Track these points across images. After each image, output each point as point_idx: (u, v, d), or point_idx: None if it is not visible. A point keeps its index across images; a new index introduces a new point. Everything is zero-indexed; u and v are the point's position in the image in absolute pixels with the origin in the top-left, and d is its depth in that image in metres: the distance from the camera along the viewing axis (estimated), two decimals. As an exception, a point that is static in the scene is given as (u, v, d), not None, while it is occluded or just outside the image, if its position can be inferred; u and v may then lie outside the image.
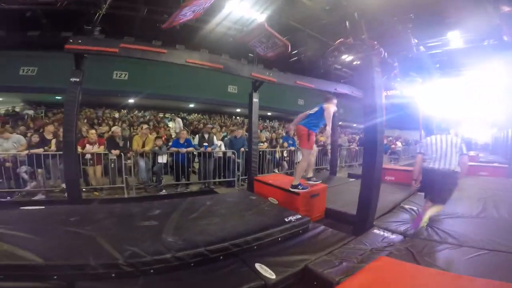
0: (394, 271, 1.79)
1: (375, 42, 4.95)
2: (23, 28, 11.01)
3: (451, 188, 3.31)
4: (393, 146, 13.27)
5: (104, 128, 8.53)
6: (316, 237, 2.90)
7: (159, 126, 10.15)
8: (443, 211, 3.48)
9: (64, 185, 4.90)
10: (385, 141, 12.59)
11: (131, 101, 12.46)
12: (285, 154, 8.54)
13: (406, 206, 4.26)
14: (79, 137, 5.34)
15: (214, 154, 6.65)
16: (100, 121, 10.12)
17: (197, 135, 7.48)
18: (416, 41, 6.43)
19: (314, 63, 7.41)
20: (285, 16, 6.73)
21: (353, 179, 6.91)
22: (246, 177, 6.91)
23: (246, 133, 8.66)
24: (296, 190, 3.79)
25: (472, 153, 12.66)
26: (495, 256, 2.39)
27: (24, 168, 4.93)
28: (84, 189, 5.14)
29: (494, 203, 4.11)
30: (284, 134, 9.65)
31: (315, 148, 4.60)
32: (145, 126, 7.33)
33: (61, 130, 4.55)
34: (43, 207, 3.41)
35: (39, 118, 10.60)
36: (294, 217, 3.04)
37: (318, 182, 4.30)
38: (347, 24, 5.37)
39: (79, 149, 5.02)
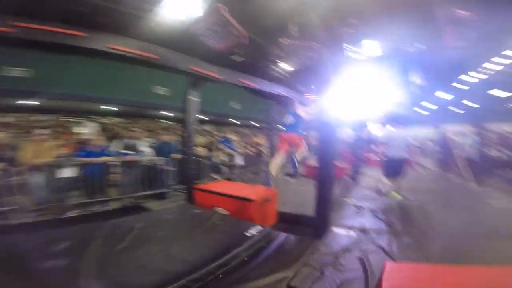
0: (416, 276, 1.56)
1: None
2: None
3: None
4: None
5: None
6: (282, 247, 2.55)
7: (64, 131, 8.07)
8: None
9: None
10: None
11: (33, 102, 9.58)
12: (224, 158, 8.06)
13: (346, 199, 4.40)
14: None
15: (140, 163, 5.61)
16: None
17: (117, 141, 6.20)
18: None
19: (255, 63, 7.18)
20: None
21: (291, 178, 7.00)
22: (182, 187, 6.14)
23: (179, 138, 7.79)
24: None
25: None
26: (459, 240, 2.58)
27: None
28: None
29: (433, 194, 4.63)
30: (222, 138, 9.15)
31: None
32: (41, 131, 5.56)
33: None
34: None
35: None
36: (255, 229, 2.62)
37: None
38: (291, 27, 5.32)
39: None
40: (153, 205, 5.29)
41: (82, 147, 5.37)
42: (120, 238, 2.45)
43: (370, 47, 7.09)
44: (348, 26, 5.60)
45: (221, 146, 8.15)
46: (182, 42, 5.28)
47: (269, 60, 7.53)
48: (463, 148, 6.72)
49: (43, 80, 8.86)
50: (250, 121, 18.22)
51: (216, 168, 7.67)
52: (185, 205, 4.17)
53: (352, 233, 2.98)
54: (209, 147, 8.12)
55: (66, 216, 4.24)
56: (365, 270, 2.11)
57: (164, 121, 13.04)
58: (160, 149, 6.17)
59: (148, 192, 5.65)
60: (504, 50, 7.56)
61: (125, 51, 3.63)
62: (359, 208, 4.03)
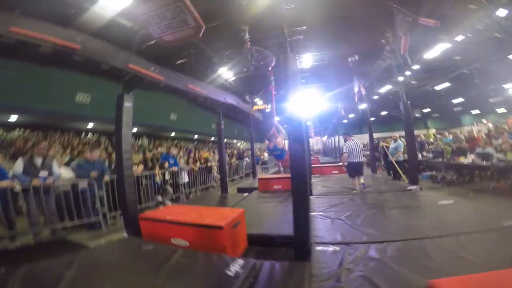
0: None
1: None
2: None
3: None
4: (262, 156, 14.55)
5: None
6: (271, 279, 2.01)
7: None
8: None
9: None
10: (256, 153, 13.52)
11: None
12: (167, 177, 7.01)
13: (313, 213, 4.15)
14: None
15: (56, 187, 4.31)
16: None
17: (21, 160, 4.61)
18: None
19: (202, 69, 6.57)
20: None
21: (246, 194, 6.55)
22: (118, 214, 4.99)
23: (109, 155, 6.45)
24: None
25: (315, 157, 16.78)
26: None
27: None
28: None
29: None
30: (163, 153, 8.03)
31: None
32: None
33: None
34: None
35: None
36: (237, 264, 2.04)
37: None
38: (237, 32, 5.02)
39: None
40: (81, 237, 4.14)
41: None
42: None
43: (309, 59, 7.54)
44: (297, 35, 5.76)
45: (164, 164, 7.09)
46: (114, 30, 4.34)
47: (217, 66, 7.12)
48: (395, 152, 7.55)
49: None
50: (195, 135, 17.16)
51: (159, 189, 6.59)
52: (130, 239, 3.21)
53: (336, 248, 2.69)
54: (148, 164, 6.96)
55: None
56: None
57: (88, 135, 10.88)
58: (83, 169, 4.87)
59: (73, 223, 4.36)
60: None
61: (30, 36, 2.60)
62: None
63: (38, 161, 4.28)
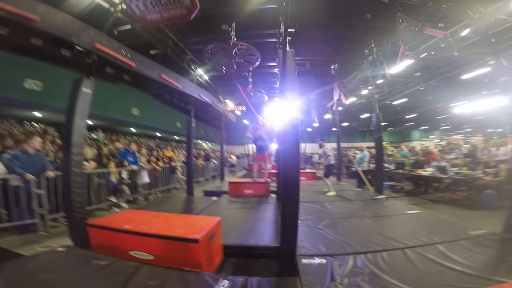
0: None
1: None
2: None
3: None
4: (229, 159, 14.16)
5: None
6: None
7: None
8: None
9: None
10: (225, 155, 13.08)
11: None
12: (124, 176, 6.23)
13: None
14: None
15: None
16: None
17: None
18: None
19: (177, 63, 5.98)
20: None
21: (215, 197, 6.14)
22: (61, 217, 4.20)
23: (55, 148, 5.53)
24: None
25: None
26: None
27: None
28: None
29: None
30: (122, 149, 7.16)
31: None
32: None
33: None
34: None
35: None
36: (223, 286, 1.68)
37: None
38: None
39: None
40: (10, 243, 3.41)
41: None
42: None
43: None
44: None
45: (123, 161, 6.31)
46: (84, 5, 3.66)
47: (193, 61, 6.61)
48: (361, 162, 7.82)
49: None
50: (158, 132, 15.99)
51: (114, 189, 5.80)
52: (75, 250, 2.60)
53: (322, 260, 2.49)
54: (102, 161, 6.12)
55: None
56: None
57: (31, 123, 9.28)
58: (19, 163, 4.01)
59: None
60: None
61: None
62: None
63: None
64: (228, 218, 4.17)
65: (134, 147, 7.16)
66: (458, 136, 16.75)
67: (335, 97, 6.79)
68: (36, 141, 4.33)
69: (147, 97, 12.95)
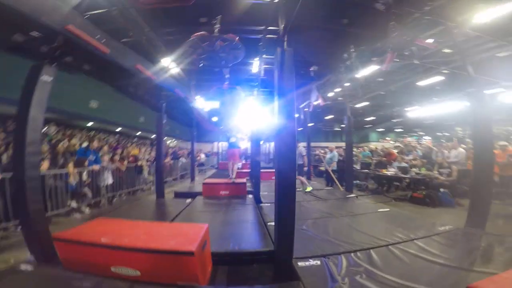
0: None
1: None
2: None
3: None
4: (198, 157, 13.70)
5: None
6: None
7: None
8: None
9: None
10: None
11: None
12: (85, 177, 5.57)
13: (273, 223, 3.90)
14: None
15: None
16: None
17: None
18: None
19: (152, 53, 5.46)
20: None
21: (189, 200, 5.82)
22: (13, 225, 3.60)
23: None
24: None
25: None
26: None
27: None
28: None
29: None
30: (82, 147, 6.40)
31: None
32: None
33: None
34: None
35: None
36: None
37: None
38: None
39: None
40: None
41: None
42: None
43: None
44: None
45: (83, 161, 5.64)
46: None
47: (170, 52, 6.13)
48: (331, 162, 8.18)
49: None
50: (119, 127, 14.69)
51: (74, 193, 5.15)
52: (43, 270, 2.20)
53: (317, 261, 2.50)
54: (58, 160, 5.39)
55: None
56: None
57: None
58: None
59: None
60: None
61: None
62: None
63: None
64: (208, 222, 3.96)
65: (96, 144, 6.46)
66: (409, 138, 18.59)
67: (313, 99, 6.98)
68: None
69: (108, 89, 11.80)
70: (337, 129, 22.92)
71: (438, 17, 3.78)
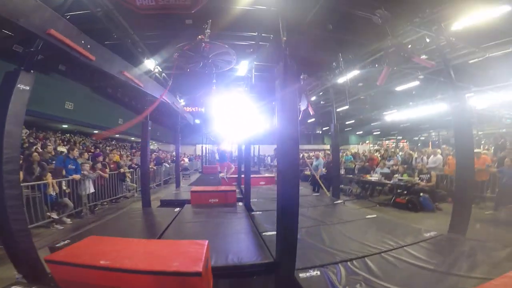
0: None
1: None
2: None
3: None
4: (182, 161, 13.39)
5: None
6: None
7: None
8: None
9: None
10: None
11: None
12: (64, 187, 5.24)
13: (268, 233, 3.92)
14: None
15: None
16: None
17: None
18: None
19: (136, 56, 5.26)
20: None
21: (178, 208, 5.63)
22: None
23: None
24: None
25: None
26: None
27: None
28: None
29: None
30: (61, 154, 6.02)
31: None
32: None
33: None
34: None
35: None
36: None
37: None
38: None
39: None
40: None
41: None
42: None
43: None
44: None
45: (61, 170, 5.30)
46: None
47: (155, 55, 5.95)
48: (318, 169, 8.36)
49: None
50: (96, 130, 13.95)
51: (54, 204, 4.83)
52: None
53: (317, 272, 2.55)
54: (34, 170, 5.02)
55: None
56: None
57: None
58: None
59: None
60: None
61: None
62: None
63: None
64: (201, 234, 3.92)
65: (75, 152, 6.09)
66: (387, 141, 19.51)
67: (303, 107, 7.12)
68: None
69: (84, 89, 11.24)
70: (318, 132, 23.49)
71: (424, 26, 4.02)
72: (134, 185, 8.15)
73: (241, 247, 3.38)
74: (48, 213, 4.66)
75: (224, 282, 2.65)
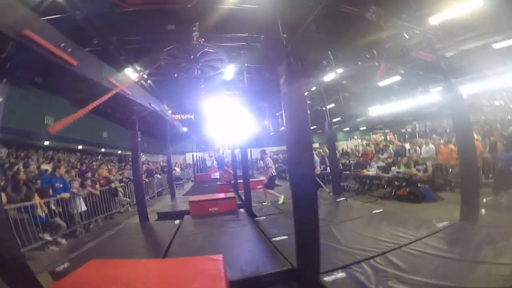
0: None
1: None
2: None
3: None
4: (174, 172, 12.98)
5: None
6: None
7: None
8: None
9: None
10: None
11: None
12: (53, 207, 4.86)
13: (278, 239, 3.76)
14: None
15: None
16: None
17: None
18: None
19: (119, 62, 4.97)
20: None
21: (178, 221, 5.34)
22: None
23: None
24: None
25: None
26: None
27: None
28: None
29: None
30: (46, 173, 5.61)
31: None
32: None
33: None
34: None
35: None
36: None
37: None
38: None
39: None
40: None
41: None
42: None
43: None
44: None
45: (47, 190, 4.93)
46: None
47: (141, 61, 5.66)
48: (315, 167, 8.30)
49: None
50: (80, 145, 13.33)
51: (45, 225, 4.46)
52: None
53: (342, 274, 2.43)
54: (20, 189, 4.62)
55: None
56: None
57: None
58: None
59: None
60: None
61: None
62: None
63: None
64: (209, 245, 3.72)
65: (62, 170, 5.69)
66: (374, 135, 19.90)
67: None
68: None
69: (64, 102, 10.63)
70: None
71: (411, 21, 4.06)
72: (128, 199, 7.77)
73: (254, 256, 3.22)
74: (40, 235, 4.29)
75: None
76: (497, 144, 5.26)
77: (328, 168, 8.94)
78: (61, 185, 5.36)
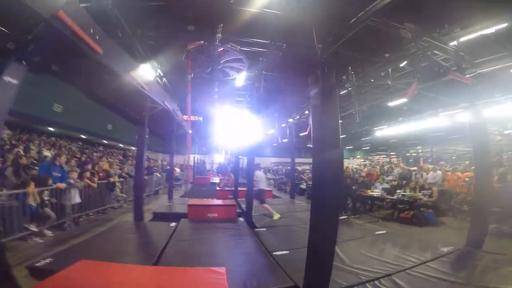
0: None
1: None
2: None
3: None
4: (174, 171, 12.85)
5: None
6: None
7: None
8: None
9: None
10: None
11: None
12: (46, 197, 4.69)
13: (279, 253, 3.58)
14: None
15: None
16: None
17: None
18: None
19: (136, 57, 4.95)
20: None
21: (174, 223, 5.15)
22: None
23: None
24: None
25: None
26: None
27: None
28: None
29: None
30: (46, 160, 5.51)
31: None
32: None
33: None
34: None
35: None
36: None
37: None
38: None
39: None
40: None
41: None
42: None
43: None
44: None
45: (47, 180, 4.80)
46: None
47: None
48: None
49: None
50: (83, 134, 13.26)
51: (34, 215, 4.30)
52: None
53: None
54: (20, 175, 4.51)
55: None
56: None
57: None
58: None
59: None
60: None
61: None
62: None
63: None
64: (206, 254, 3.58)
65: (63, 159, 5.58)
66: (377, 157, 19.75)
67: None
68: None
69: (76, 92, 10.66)
70: (310, 145, 23.52)
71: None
72: (124, 195, 7.60)
73: (255, 270, 3.08)
74: (26, 225, 4.10)
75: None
76: (506, 176, 5.15)
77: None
78: (59, 175, 5.23)
